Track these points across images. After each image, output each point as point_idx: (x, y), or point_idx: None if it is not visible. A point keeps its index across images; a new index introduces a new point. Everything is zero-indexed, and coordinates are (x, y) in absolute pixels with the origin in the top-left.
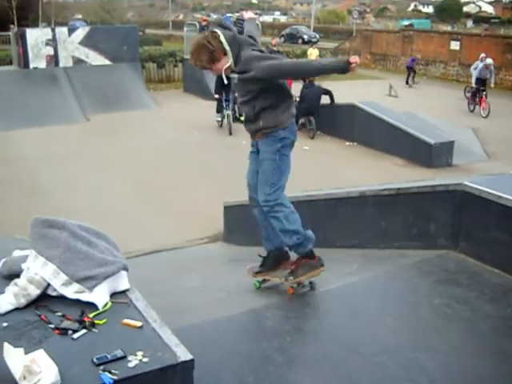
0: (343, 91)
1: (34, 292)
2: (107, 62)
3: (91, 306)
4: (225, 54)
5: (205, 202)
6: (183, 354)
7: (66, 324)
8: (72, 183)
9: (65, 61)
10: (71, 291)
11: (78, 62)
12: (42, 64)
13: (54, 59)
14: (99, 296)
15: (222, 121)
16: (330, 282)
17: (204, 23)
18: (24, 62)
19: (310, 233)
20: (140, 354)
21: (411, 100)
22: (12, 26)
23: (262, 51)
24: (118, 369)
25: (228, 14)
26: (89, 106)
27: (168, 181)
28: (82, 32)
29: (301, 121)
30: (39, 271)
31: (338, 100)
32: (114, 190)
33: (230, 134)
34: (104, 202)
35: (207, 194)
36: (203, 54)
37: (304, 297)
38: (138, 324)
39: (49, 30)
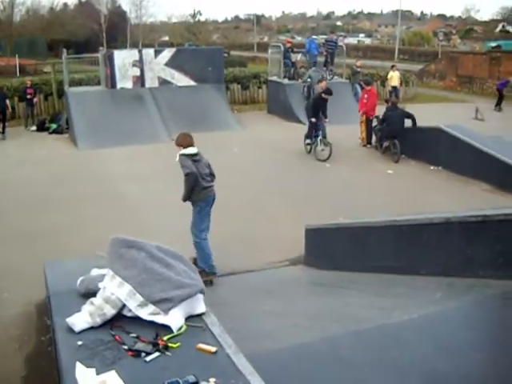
0: (428, 114)
1: (110, 312)
2: (192, 83)
3: (166, 328)
4: None
5: (287, 224)
6: (257, 383)
7: (139, 346)
8: (157, 202)
9: (151, 81)
10: (146, 313)
11: (163, 82)
12: (129, 84)
13: (140, 80)
14: (174, 319)
15: (311, 145)
16: (412, 311)
17: (288, 45)
18: (111, 82)
19: None
20: (213, 380)
21: (498, 124)
22: (101, 48)
23: None
24: None
25: (313, 36)
26: (173, 126)
27: (251, 202)
28: (167, 53)
29: (385, 144)
30: (115, 291)
31: (424, 123)
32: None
33: (326, 159)
34: (187, 222)
35: (290, 216)
36: None
37: (384, 326)
38: (213, 349)
39: (136, 51)
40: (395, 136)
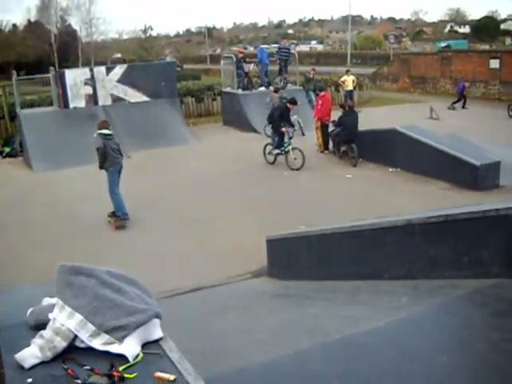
0: (384, 116)
1: (61, 344)
2: (145, 99)
3: (121, 358)
4: None
5: (249, 235)
6: None
7: (94, 379)
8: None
9: (103, 99)
10: (99, 343)
11: (116, 99)
12: (82, 103)
13: (92, 98)
14: (129, 347)
15: (280, 155)
16: (379, 318)
17: (240, 55)
18: (64, 102)
19: None
20: None
21: (453, 122)
22: (51, 68)
23: None
24: None
25: (263, 46)
26: (129, 144)
27: (210, 215)
28: (119, 70)
29: (342, 148)
30: (65, 322)
31: (379, 125)
32: (154, 226)
33: (300, 167)
34: (144, 240)
35: (251, 228)
36: None
37: (351, 336)
38: (171, 378)
39: (87, 69)
40: (352, 140)
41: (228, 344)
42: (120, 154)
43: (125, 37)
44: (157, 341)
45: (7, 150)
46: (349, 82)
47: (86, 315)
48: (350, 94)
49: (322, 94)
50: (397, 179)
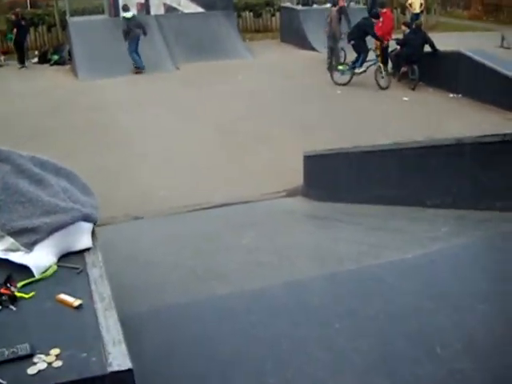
0: (450, 43)
1: None
2: (199, 10)
3: (26, 269)
4: None
5: (291, 152)
6: (119, 360)
7: None
8: (153, 130)
9: (156, 9)
10: (0, 248)
11: (169, 9)
12: (133, 11)
13: (144, 7)
14: (38, 257)
15: (353, 75)
16: (407, 249)
17: None
18: (114, 10)
19: None
20: (54, 353)
21: None
22: None
23: None
24: (9, 375)
25: None
26: (179, 55)
27: (253, 130)
28: None
29: (402, 69)
30: None
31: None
32: (195, 138)
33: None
34: (183, 150)
35: (295, 145)
36: None
37: (367, 267)
38: (75, 303)
39: None
40: (415, 61)
41: (224, 264)
42: (143, 30)
43: None
44: (83, 251)
45: (55, 57)
46: (416, 4)
47: None
48: (416, 18)
49: (384, 10)
50: (457, 106)
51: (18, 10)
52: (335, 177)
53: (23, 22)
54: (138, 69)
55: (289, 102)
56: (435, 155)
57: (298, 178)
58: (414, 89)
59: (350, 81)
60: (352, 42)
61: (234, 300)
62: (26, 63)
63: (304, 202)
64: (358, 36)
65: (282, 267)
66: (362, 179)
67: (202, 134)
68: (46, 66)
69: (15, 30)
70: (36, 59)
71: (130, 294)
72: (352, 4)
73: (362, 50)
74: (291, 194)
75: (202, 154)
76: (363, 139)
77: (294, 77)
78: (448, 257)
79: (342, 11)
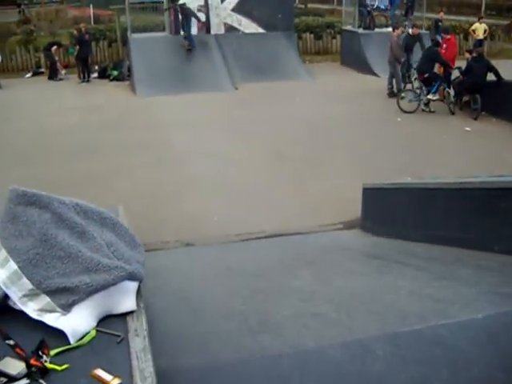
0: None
1: None
2: (260, 30)
3: (61, 334)
4: None
5: (348, 182)
6: None
7: (4, 364)
8: (207, 152)
9: (216, 28)
10: (35, 308)
11: (229, 29)
12: (194, 31)
13: (205, 26)
14: (75, 320)
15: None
16: (477, 307)
17: None
18: (175, 28)
19: None
20: None
21: None
22: None
23: None
24: None
25: None
26: (238, 75)
27: (309, 156)
28: None
29: (464, 98)
30: None
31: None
32: (248, 162)
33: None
34: (237, 174)
35: (352, 174)
36: None
37: (433, 328)
38: (114, 382)
39: None
40: (477, 90)
41: (275, 312)
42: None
43: None
44: (125, 314)
45: (115, 73)
46: (480, 30)
47: (23, 265)
48: (479, 44)
49: (448, 37)
50: None
51: (82, 25)
52: (395, 212)
53: (87, 37)
54: (191, 47)
55: (346, 127)
56: (504, 197)
57: (354, 209)
58: (476, 119)
59: (417, 109)
60: (426, 75)
61: (288, 361)
62: (87, 78)
63: (362, 237)
64: (431, 67)
65: (339, 322)
66: (424, 217)
67: (256, 159)
68: (106, 81)
69: (77, 45)
70: (96, 74)
71: (178, 342)
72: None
73: (435, 79)
74: (348, 226)
75: (256, 179)
76: (423, 171)
77: (352, 101)
78: None
79: (419, 38)
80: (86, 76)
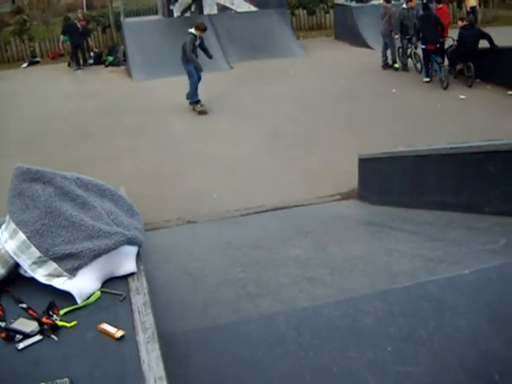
0: (504, 37)
1: None
2: (253, 9)
3: (69, 296)
4: None
5: (344, 154)
6: None
7: (19, 324)
8: (205, 132)
9: (209, 8)
10: (43, 273)
11: (222, 9)
12: (187, 12)
13: (198, 7)
14: (81, 283)
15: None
16: (465, 264)
17: None
18: (168, 10)
19: None
20: None
21: None
22: None
23: None
24: None
25: None
26: (233, 54)
27: (306, 131)
28: None
29: (458, 67)
30: (6, 243)
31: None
32: (245, 140)
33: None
34: (236, 152)
35: (348, 146)
36: None
37: (423, 284)
38: (118, 334)
39: None
40: (470, 58)
41: (274, 279)
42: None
43: None
44: (126, 276)
45: (110, 59)
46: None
47: (31, 235)
48: (472, 12)
49: (440, 6)
50: None
51: (79, 12)
52: (390, 180)
53: (82, 25)
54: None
55: (342, 101)
56: (494, 160)
57: (352, 180)
58: (470, 86)
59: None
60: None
61: (285, 321)
62: (79, 66)
63: (359, 207)
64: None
65: (333, 283)
66: (418, 183)
67: (253, 136)
68: (102, 67)
69: (63, 34)
70: (91, 60)
71: (180, 309)
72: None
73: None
74: (346, 197)
75: (254, 156)
76: (419, 140)
77: (347, 75)
78: (507, 274)
79: (417, 11)
80: (75, 64)
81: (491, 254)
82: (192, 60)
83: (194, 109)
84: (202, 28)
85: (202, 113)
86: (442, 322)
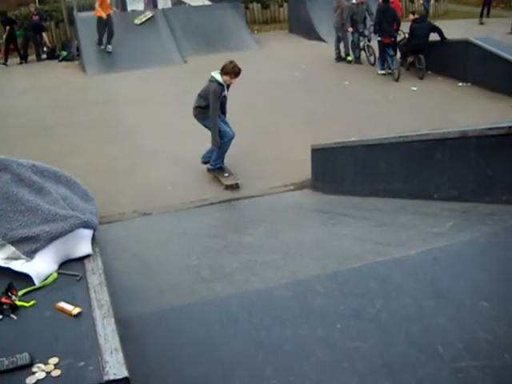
0: (459, 30)
1: None
2: (207, 3)
3: (27, 278)
4: None
5: (297, 145)
6: (116, 369)
7: None
8: (160, 126)
9: (163, 2)
10: (1, 257)
11: (176, 3)
12: (140, 6)
13: (152, 1)
14: (38, 265)
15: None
16: (411, 245)
17: None
18: (121, 4)
19: None
20: (53, 362)
21: None
22: None
23: None
24: None
25: None
26: (187, 48)
27: (260, 123)
28: None
29: (409, 59)
30: None
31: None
32: (199, 133)
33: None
34: (190, 145)
35: (301, 137)
36: None
37: (370, 265)
38: (74, 311)
39: None
40: (421, 50)
41: (227, 264)
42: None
43: None
44: (82, 258)
45: (64, 53)
46: None
47: None
48: (424, 5)
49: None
50: (466, 94)
51: (22, 8)
52: (343, 170)
53: (35, 19)
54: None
55: (297, 93)
56: (441, 148)
57: (305, 171)
58: (422, 78)
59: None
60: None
61: (237, 302)
62: (29, 59)
63: (311, 196)
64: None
65: (285, 267)
66: (369, 172)
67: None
68: (55, 62)
69: (7, 27)
70: (45, 55)
71: (136, 294)
72: None
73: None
74: (299, 187)
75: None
76: (371, 131)
77: (301, 67)
78: (451, 254)
79: (367, 6)
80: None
81: (437, 237)
82: (213, 120)
83: (217, 178)
84: (234, 72)
85: (233, 187)
86: (389, 299)
